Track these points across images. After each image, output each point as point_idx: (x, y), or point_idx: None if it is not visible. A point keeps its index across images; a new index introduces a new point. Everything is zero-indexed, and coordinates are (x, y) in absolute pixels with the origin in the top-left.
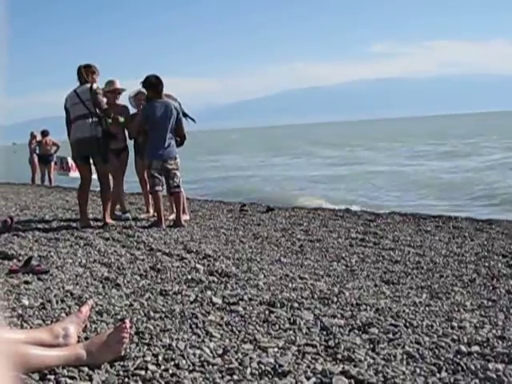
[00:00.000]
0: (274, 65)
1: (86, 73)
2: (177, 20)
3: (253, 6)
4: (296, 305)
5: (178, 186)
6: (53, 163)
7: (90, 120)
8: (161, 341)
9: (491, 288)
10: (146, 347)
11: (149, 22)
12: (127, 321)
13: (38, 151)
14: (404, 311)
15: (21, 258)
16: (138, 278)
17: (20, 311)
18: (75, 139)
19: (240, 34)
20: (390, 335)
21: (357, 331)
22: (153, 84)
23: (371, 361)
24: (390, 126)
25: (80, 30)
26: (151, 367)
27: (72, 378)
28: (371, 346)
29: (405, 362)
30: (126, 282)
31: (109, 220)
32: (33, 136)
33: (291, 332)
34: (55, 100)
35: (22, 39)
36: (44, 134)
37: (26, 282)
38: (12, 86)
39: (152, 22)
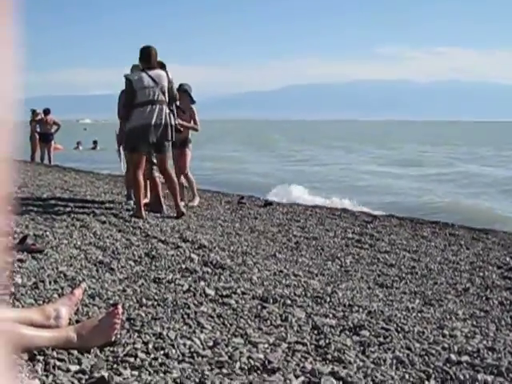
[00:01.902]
0: (278, 60)
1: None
2: (187, 8)
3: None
4: (289, 302)
5: None
6: (52, 142)
7: (164, 106)
8: (152, 329)
9: (484, 298)
10: (136, 334)
11: (160, 10)
12: (119, 306)
13: (38, 129)
14: (396, 315)
15: (16, 235)
16: (133, 264)
17: (12, 289)
18: (145, 124)
19: (247, 26)
20: (381, 339)
21: (348, 332)
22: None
23: (361, 363)
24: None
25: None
26: (141, 355)
27: (61, 360)
28: (361, 348)
29: (394, 367)
30: (120, 266)
31: (183, 209)
32: (35, 114)
33: (282, 329)
34: (54, 79)
35: None
36: (46, 112)
37: (20, 260)
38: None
39: (164, 9)
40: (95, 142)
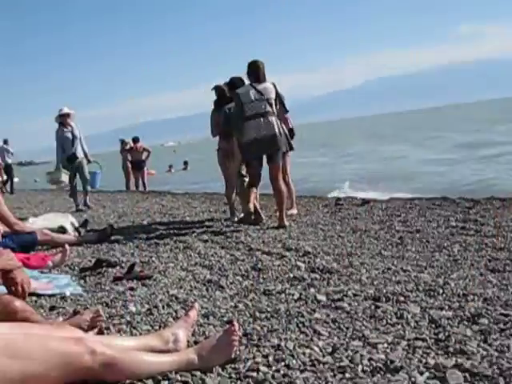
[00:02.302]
0: (353, 56)
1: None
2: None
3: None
4: (401, 298)
5: None
6: (145, 168)
7: (273, 118)
8: (269, 341)
9: None
10: (255, 348)
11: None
12: (235, 322)
13: (130, 158)
14: None
15: (123, 264)
16: (240, 279)
17: (128, 318)
18: (256, 137)
19: (310, 33)
20: (501, 325)
21: (466, 322)
22: (236, 87)
23: (484, 353)
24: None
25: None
26: (262, 368)
27: (185, 382)
28: (482, 337)
29: None
30: (228, 283)
31: (286, 222)
32: (124, 143)
33: (399, 326)
34: (140, 108)
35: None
36: (135, 140)
37: (131, 289)
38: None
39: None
40: (186, 163)
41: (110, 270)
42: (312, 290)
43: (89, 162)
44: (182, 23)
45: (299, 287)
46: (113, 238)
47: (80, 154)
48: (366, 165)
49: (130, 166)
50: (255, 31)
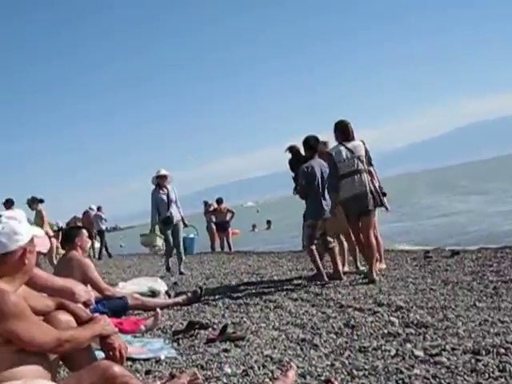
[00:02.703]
0: (434, 107)
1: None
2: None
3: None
4: (502, 350)
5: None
6: (230, 229)
7: (365, 175)
8: None
9: None
10: None
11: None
12: (336, 382)
13: (214, 219)
14: None
15: (215, 326)
16: (334, 337)
17: (224, 380)
18: (351, 194)
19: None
20: None
21: None
22: (311, 145)
23: None
24: None
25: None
26: None
27: None
28: None
29: None
30: (322, 341)
31: (375, 276)
32: (207, 205)
33: (502, 380)
34: (223, 168)
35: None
36: (219, 201)
37: (225, 350)
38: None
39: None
40: (269, 222)
41: (202, 331)
42: (408, 345)
43: (185, 225)
44: (251, 81)
45: (395, 343)
46: (202, 299)
47: (176, 217)
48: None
49: (214, 227)
50: (348, 82)
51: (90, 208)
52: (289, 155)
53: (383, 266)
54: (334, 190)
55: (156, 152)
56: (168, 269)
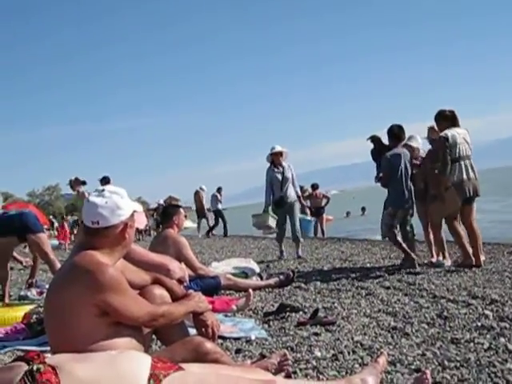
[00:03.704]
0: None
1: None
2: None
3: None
4: None
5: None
6: (324, 215)
7: (473, 163)
8: None
9: None
10: None
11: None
12: (428, 371)
13: (309, 204)
14: None
15: (306, 310)
16: (426, 327)
17: (314, 363)
18: (462, 178)
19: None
20: None
21: None
22: (395, 133)
23: None
24: None
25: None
26: None
27: None
28: None
29: None
30: (414, 330)
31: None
32: (302, 190)
33: None
34: (319, 154)
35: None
36: (314, 187)
37: (316, 334)
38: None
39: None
40: (363, 209)
41: (293, 314)
42: (502, 339)
43: (302, 206)
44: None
45: (488, 336)
46: (294, 283)
47: (291, 197)
48: None
49: (308, 212)
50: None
51: (201, 188)
52: (371, 145)
53: (482, 257)
54: (444, 172)
55: (259, 133)
56: (281, 253)
